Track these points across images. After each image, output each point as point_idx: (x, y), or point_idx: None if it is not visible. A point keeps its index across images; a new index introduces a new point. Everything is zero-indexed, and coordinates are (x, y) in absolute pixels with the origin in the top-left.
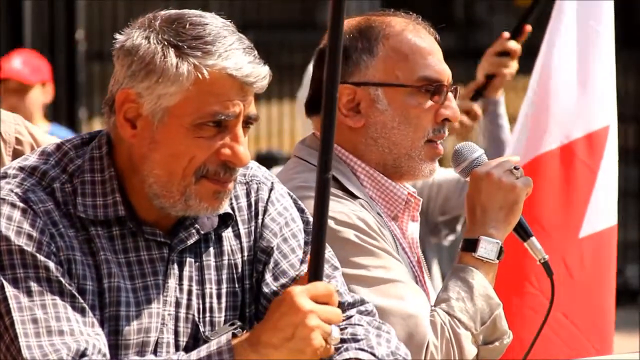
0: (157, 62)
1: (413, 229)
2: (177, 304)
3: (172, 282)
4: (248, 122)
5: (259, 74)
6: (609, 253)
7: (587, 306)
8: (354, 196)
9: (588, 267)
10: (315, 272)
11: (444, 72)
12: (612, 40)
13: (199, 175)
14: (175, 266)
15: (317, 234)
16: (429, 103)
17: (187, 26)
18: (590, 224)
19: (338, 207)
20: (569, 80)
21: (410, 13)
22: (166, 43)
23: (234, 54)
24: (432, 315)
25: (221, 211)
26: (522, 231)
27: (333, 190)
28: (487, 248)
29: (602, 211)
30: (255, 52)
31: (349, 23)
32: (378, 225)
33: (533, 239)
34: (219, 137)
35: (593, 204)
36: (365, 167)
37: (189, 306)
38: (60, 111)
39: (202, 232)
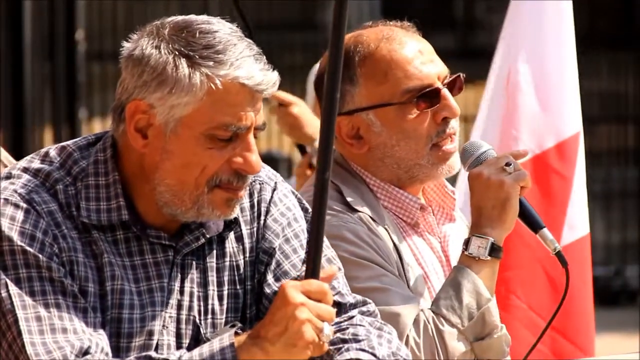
0: (169, 73)
1: (447, 229)
2: (179, 306)
3: (175, 285)
4: (256, 129)
5: (270, 80)
6: (586, 261)
7: (570, 313)
8: (353, 210)
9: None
10: (313, 271)
11: (430, 74)
12: (573, 42)
13: (212, 184)
14: (179, 269)
15: (316, 233)
16: (421, 112)
17: (197, 35)
18: (568, 233)
19: (330, 220)
20: (536, 89)
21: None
22: (177, 53)
23: (245, 62)
24: (417, 315)
25: (232, 216)
26: (532, 223)
27: (332, 203)
28: (477, 245)
29: (578, 220)
30: (264, 58)
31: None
32: (372, 237)
33: (544, 230)
34: (231, 147)
35: (570, 213)
36: (377, 180)
37: (190, 308)
38: (60, 111)
39: (208, 236)
